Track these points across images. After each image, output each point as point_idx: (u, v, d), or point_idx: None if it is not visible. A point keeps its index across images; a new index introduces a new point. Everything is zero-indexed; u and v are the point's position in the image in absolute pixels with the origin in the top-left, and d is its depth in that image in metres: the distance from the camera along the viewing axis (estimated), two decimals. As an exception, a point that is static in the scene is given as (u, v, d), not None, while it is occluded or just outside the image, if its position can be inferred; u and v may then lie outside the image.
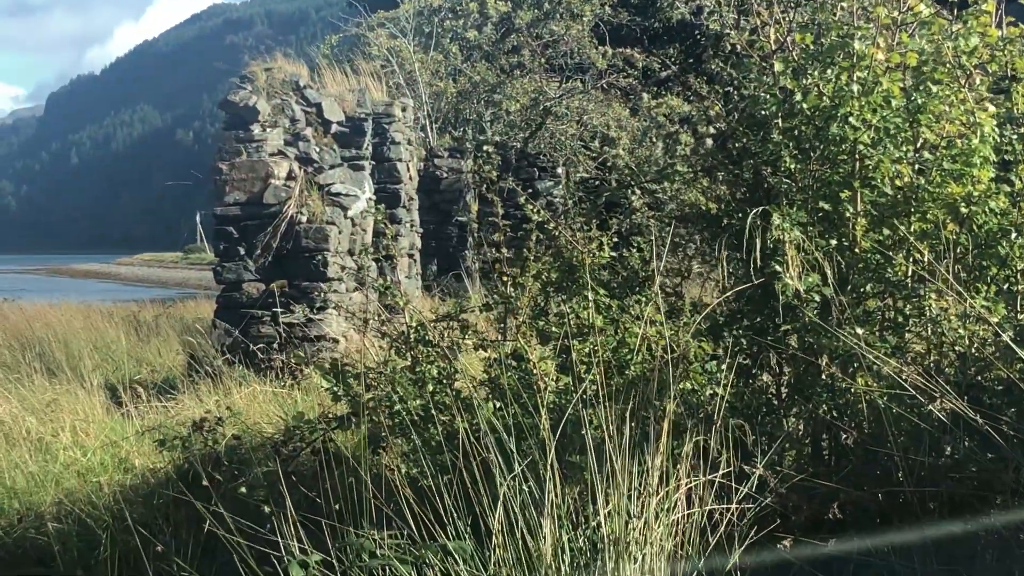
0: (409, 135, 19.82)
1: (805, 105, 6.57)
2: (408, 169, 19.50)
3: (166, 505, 8.14)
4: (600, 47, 27.43)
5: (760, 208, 6.36)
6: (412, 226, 19.69)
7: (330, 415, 7.15)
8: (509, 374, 6.09)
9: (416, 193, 20.61)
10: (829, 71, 6.72)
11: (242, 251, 15.14)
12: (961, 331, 6.21)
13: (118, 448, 9.85)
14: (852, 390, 6.29)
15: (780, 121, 6.80)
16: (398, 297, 6.97)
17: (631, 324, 6.40)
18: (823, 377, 6.44)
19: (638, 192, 24.38)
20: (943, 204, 6.50)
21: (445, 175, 25.23)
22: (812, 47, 6.80)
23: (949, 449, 5.80)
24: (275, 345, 14.78)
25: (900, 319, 6.59)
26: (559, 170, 26.65)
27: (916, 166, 6.61)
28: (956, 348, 6.28)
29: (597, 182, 26.89)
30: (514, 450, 5.29)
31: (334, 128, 16.48)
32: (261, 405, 10.49)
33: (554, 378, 6.37)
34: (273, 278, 15.14)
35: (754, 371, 6.68)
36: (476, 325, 6.98)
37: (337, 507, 5.91)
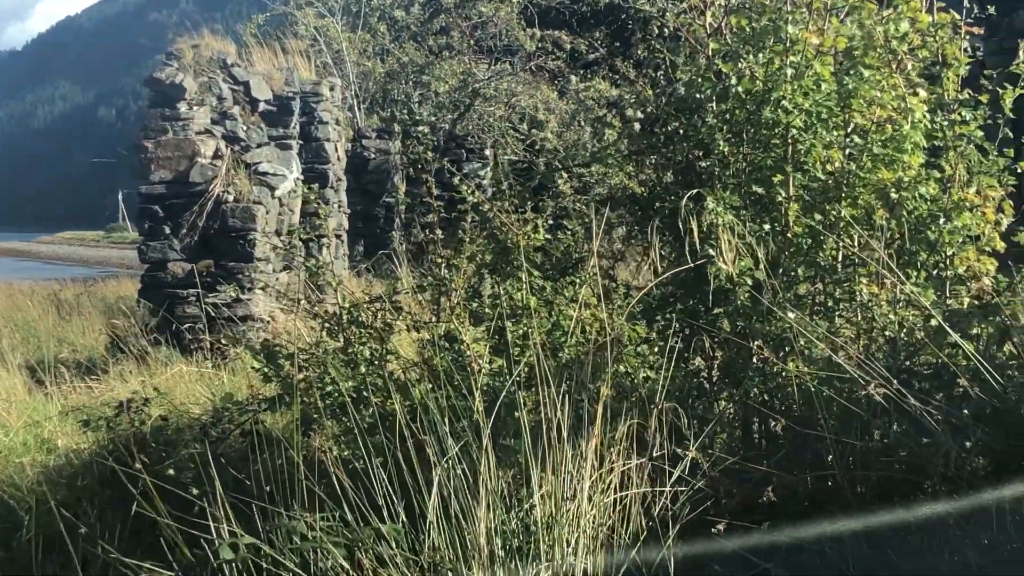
0: (337, 115, 19.69)
1: (739, 88, 6.58)
2: (336, 149, 19.36)
3: (91, 487, 8.03)
4: (529, 29, 27.38)
5: (694, 191, 6.36)
6: (340, 207, 19.57)
7: (260, 396, 7.08)
8: (442, 356, 6.06)
9: (344, 174, 20.48)
10: (762, 55, 6.74)
11: (167, 230, 14.98)
12: (892, 316, 6.26)
13: (40, 429, 9.71)
14: (783, 374, 6.32)
15: (714, 104, 6.81)
16: (329, 277, 6.91)
17: (565, 307, 6.39)
18: (755, 361, 6.46)
19: (566, 175, 24.43)
20: (873, 189, 6.54)
21: (373, 156, 25.11)
22: (748, 30, 6.81)
23: (879, 434, 5.83)
24: (201, 326, 14.63)
25: (831, 303, 6.63)
26: (487, 152, 26.61)
27: (847, 151, 6.65)
28: (886, 333, 6.32)
29: (525, 164, 26.90)
30: (448, 433, 5.26)
31: (261, 107, 16.34)
32: (188, 386, 10.39)
33: (488, 360, 6.34)
34: (199, 258, 15.00)
35: (687, 355, 6.68)
36: (409, 306, 6.94)
37: (268, 489, 5.84)
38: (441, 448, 5.23)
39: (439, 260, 6.81)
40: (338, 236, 19.43)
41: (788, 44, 6.57)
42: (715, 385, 6.72)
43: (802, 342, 6.13)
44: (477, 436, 5.26)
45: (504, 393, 5.66)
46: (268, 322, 15.27)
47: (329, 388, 6.39)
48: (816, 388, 5.88)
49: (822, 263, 6.55)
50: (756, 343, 6.48)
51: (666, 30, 25.33)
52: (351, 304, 6.78)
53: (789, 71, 6.46)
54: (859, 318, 6.45)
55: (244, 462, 6.60)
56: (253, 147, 15.60)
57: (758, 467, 5.87)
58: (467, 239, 6.83)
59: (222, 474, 5.98)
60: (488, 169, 26.56)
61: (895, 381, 5.62)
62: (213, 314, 14.73)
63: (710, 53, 6.89)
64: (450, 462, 5.19)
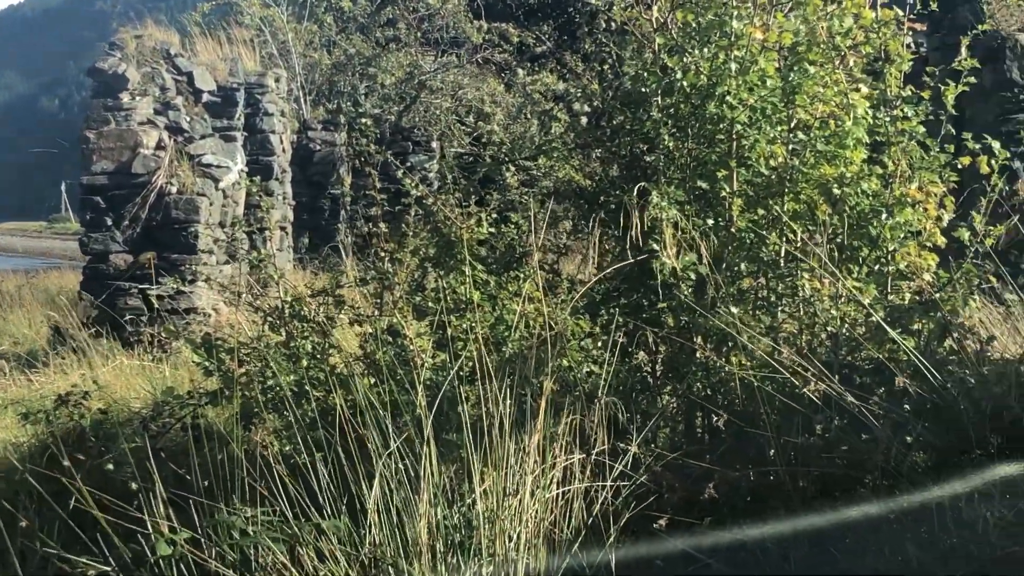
0: (283, 107, 19.55)
1: (684, 83, 6.57)
2: (281, 141, 19.24)
3: (29, 481, 7.93)
4: (476, 21, 27.31)
5: (639, 185, 6.35)
6: (285, 199, 19.45)
7: (201, 390, 7.01)
8: (385, 350, 6.02)
9: (289, 166, 20.35)
10: (707, 49, 6.74)
11: (109, 221, 14.85)
12: (833, 311, 6.28)
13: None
14: (726, 369, 6.33)
15: (659, 99, 6.80)
16: (271, 270, 6.85)
17: (509, 301, 6.36)
18: (697, 356, 6.46)
19: (512, 168, 24.36)
20: (816, 185, 6.56)
21: (319, 148, 24.96)
22: (694, 24, 6.80)
23: (820, 429, 5.85)
24: (143, 318, 14.51)
25: (773, 299, 6.64)
26: (434, 144, 26.53)
27: (790, 147, 6.66)
28: (828, 328, 6.34)
29: (472, 157, 26.84)
30: (390, 427, 5.23)
31: (205, 98, 16.22)
32: (129, 379, 10.29)
33: (431, 355, 6.31)
34: (142, 250, 14.88)
35: (630, 349, 6.67)
36: (352, 300, 6.89)
37: (207, 484, 5.78)
38: (383, 442, 5.20)
39: (383, 253, 6.77)
40: (282, 228, 19.31)
41: (733, 39, 6.56)
42: (658, 380, 6.72)
43: (744, 337, 6.14)
44: (419, 431, 5.23)
45: (445, 387, 5.64)
46: (211, 315, 15.16)
47: (270, 382, 6.33)
48: (758, 384, 5.89)
49: (764, 258, 6.56)
50: (699, 338, 6.49)
51: (613, 24, 25.40)
52: (293, 298, 6.73)
53: (734, 66, 6.46)
54: (801, 313, 6.47)
55: (185, 456, 6.53)
56: (197, 138, 15.48)
57: (700, 463, 5.88)
58: (411, 232, 6.79)
59: (162, 469, 5.92)
60: (435, 161, 26.49)
61: (836, 377, 5.65)
62: (156, 306, 14.61)
63: (656, 47, 6.88)
64: (392, 456, 5.15)
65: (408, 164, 25.94)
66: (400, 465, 5.14)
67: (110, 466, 6.55)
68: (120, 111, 14.82)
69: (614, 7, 7.39)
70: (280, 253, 19.06)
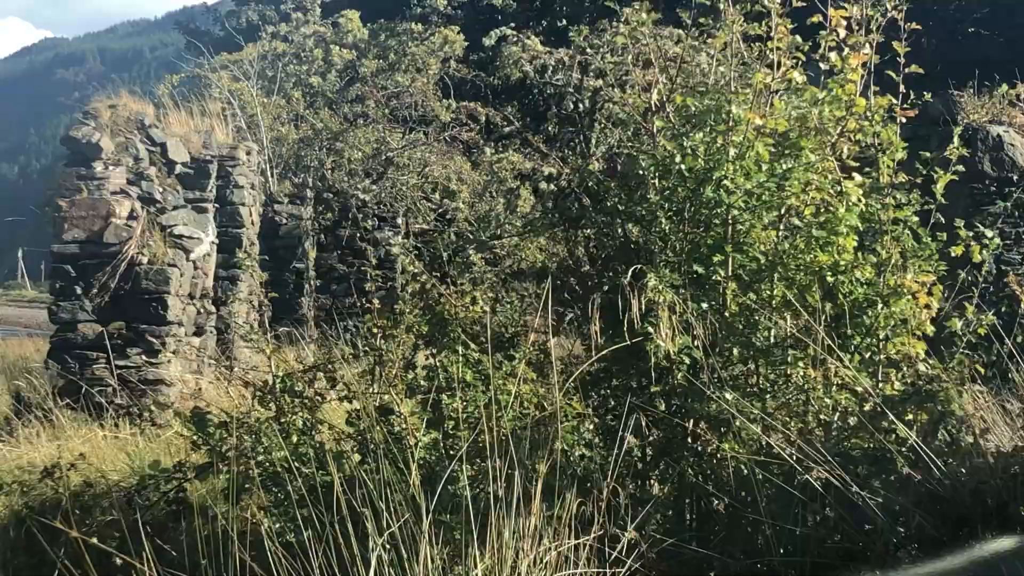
0: (253, 179, 19.53)
1: (683, 166, 6.59)
2: (251, 214, 19.19)
3: (2, 552, 7.81)
4: (444, 100, 27.47)
5: (636, 268, 6.35)
6: (252, 271, 19.35)
7: (187, 464, 6.91)
8: (378, 428, 5.96)
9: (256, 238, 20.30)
10: (702, 134, 6.77)
11: (79, 290, 14.68)
12: (827, 400, 6.29)
13: (-56, 492, 9.42)
14: (719, 455, 6.32)
15: (656, 181, 6.82)
16: (262, 344, 6.79)
17: (503, 380, 6.31)
18: (689, 440, 6.45)
19: (474, 248, 24.35)
20: (809, 271, 6.58)
21: (285, 221, 24.94)
22: (693, 108, 6.83)
23: (816, 518, 5.83)
24: (110, 388, 14.34)
25: (764, 385, 6.64)
26: (399, 220, 26.58)
27: (782, 232, 6.69)
28: (821, 416, 6.34)
29: (436, 233, 26.89)
30: (384, 507, 5.18)
31: (178, 169, 16.16)
32: (103, 451, 10.14)
33: (423, 433, 6.26)
34: (110, 319, 14.72)
35: (621, 433, 6.64)
36: (342, 376, 6.82)
37: (198, 560, 5.68)
38: (376, 523, 5.14)
39: (375, 330, 6.71)
40: (249, 301, 19.22)
41: (731, 124, 6.60)
42: (649, 464, 6.69)
43: (738, 423, 6.14)
44: (415, 510, 5.19)
45: (441, 467, 5.60)
46: (179, 386, 15.01)
47: (260, 457, 6.25)
48: (751, 470, 5.88)
49: (758, 344, 6.56)
50: (691, 422, 6.48)
51: (581, 106, 25.32)
52: (285, 373, 6.66)
53: (732, 151, 6.50)
54: (794, 400, 6.47)
55: (168, 531, 6.46)
56: (169, 209, 15.40)
57: (693, 549, 5.84)
58: (407, 309, 6.73)
59: (146, 543, 5.83)
60: (400, 237, 26.55)
61: (835, 465, 5.64)
62: (125, 377, 14.45)
63: (654, 130, 6.92)
64: (386, 537, 5.10)
65: (374, 239, 26.00)
66: (392, 544, 5.08)
67: (95, 539, 6.37)
68: (93, 180, 14.72)
69: (607, 90, 7.44)
70: (247, 326, 18.95)
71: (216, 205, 17.22)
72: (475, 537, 5.19)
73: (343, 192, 26.30)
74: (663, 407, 6.50)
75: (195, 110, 18.78)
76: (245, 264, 18.11)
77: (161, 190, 15.50)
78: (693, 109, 6.80)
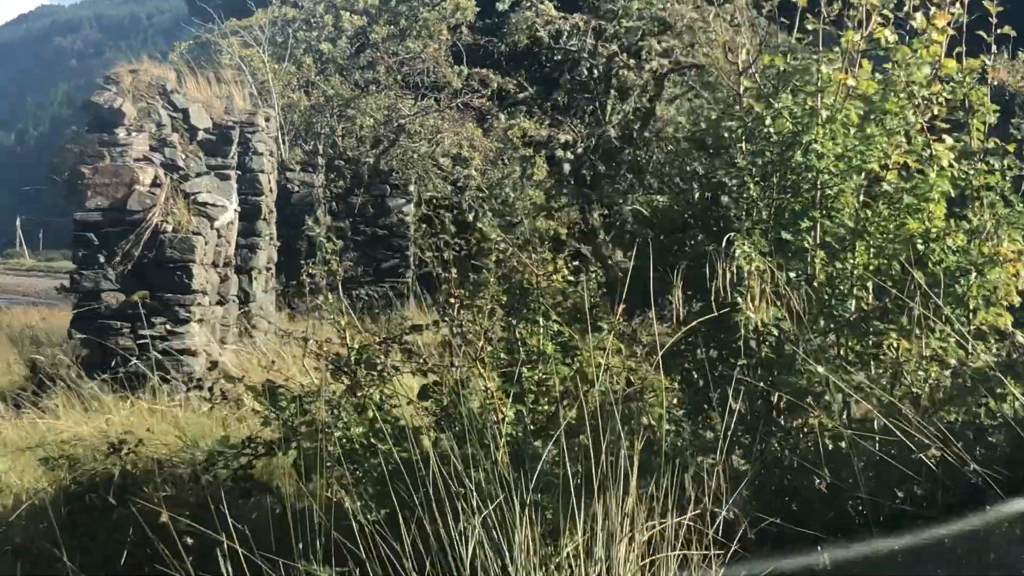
0: (271, 146, 19.24)
1: (772, 130, 6.33)
2: (269, 181, 18.92)
3: (55, 529, 7.57)
4: (456, 66, 27.17)
5: (729, 235, 6.09)
6: (271, 239, 19.13)
7: (257, 439, 6.67)
8: (465, 404, 5.72)
9: (272, 206, 20.06)
10: (786, 96, 6.51)
11: (102, 259, 14.44)
12: (920, 372, 6.07)
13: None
14: (805, 429, 6.12)
15: (743, 145, 6.56)
16: (336, 316, 6.54)
17: (589, 353, 6.06)
18: (778, 416, 6.24)
19: (490, 214, 24.10)
20: (899, 239, 6.34)
21: (296, 189, 24.71)
22: (782, 68, 6.57)
23: (922, 491, 5.62)
24: (134, 358, 14.12)
25: (849, 356, 6.40)
26: (411, 188, 26.34)
27: (870, 199, 6.46)
28: (913, 389, 6.12)
29: (447, 201, 26.66)
30: (472, 486, 4.98)
31: (200, 135, 15.89)
32: (150, 424, 9.87)
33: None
34: (132, 288, 14.47)
35: (706, 407, 6.41)
36: (418, 348, 6.58)
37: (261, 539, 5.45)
38: (466, 501, 4.94)
39: (452, 300, 6.44)
40: (268, 269, 19.00)
41: (821, 85, 6.35)
42: (735, 440, 6.45)
43: (827, 396, 5.92)
44: (502, 488, 4.99)
45: (527, 444, 5.39)
46: (201, 355, 14.79)
47: (338, 434, 6.00)
48: (851, 444, 5.67)
49: (846, 315, 6.32)
50: (775, 396, 6.26)
51: (596, 72, 25.01)
52: (360, 345, 6.41)
53: (825, 113, 6.24)
54: (887, 373, 6.25)
55: (232, 507, 6.23)
56: (192, 176, 15.14)
57: (792, 527, 5.63)
58: (492, 279, 6.44)
59: (218, 521, 5.62)
60: (412, 205, 26.33)
61: (933, 438, 5.43)
62: (151, 347, 14.23)
63: (740, 90, 6.66)
64: (477, 517, 4.90)
65: (385, 206, 25.81)
66: (483, 526, 4.89)
67: (164, 518, 6.11)
68: (116, 146, 14.46)
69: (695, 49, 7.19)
70: (265, 295, 18.74)
71: (239, 172, 16.93)
72: (566, 517, 4.99)
73: (355, 159, 26.07)
74: (751, 379, 6.26)
75: (211, 77, 18.46)
76: (265, 233, 17.93)
77: (184, 157, 15.24)
78: (783, 69, 6.53)
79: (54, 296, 33.89)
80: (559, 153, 24.80)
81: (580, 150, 24.85)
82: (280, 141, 25.28)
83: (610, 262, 15.24)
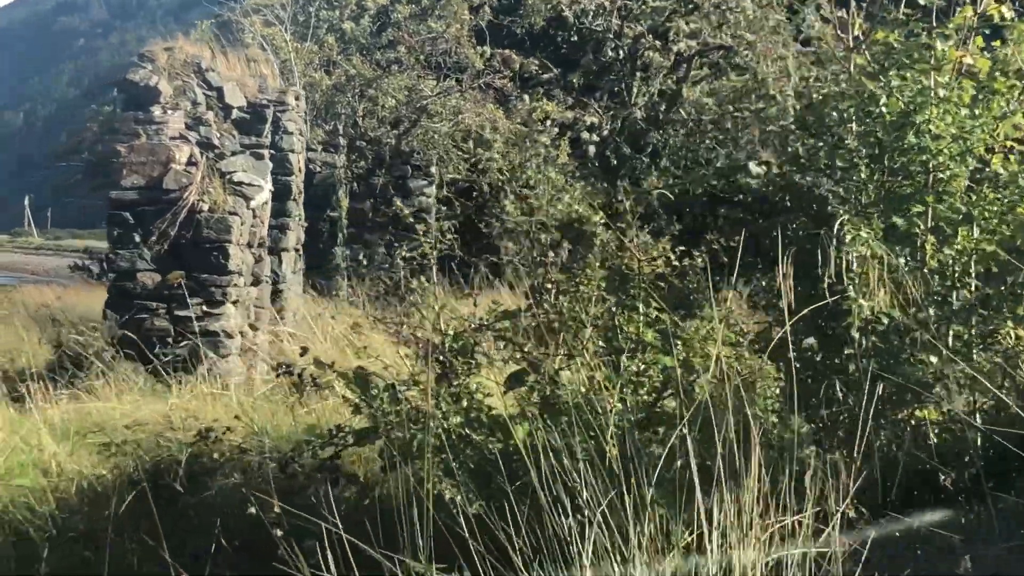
0: (301, 125, 18.98)
1: (886, 109, 6.06)
2: (299, 161, 18.68)
3: (119, 516, 7.35)
4: (479, 47, 26.91)
5: (842, 219, 5.83)
6: (300, 220, 18.89)
7: (346, 428, 6.41)
8: (571, 394, 5.48)
9: (298, 186, 19.82)
10: (894, 74, 6.23)
11: (137, 238, 14.21)
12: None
13: (31, 449, 8.96)
14: (913, 422, 5.90)
15: (855, 125, 6.28)
16: (431, 300, 6.28)
17: (697, 342, 5.81)
18: (887, 407, 5.99)
19: (512, 196, 23.88)
20: (1015, 224, 6.09)
21: (319, 169, 24.49)
22: (896, 45, 6.28)
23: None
24: (169, 339, 13.91)
25: (958, 346, 6.14)
26: (432, 169, 26.11)
27: (978, 183, 6.22)
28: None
29: (467, 183, 26.47)
30: (581, 481, 4.77)
31: (235, 114, 15.63)
32: (211, 410, 9.62)
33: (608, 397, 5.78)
34: (168, 268, 14.25)
35: (812, 400, 6.16)
36: (512, 336, 6.31)
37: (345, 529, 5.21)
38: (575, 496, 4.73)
39: (548, 286, 6.18)
40: (296, 250, 18.78)
41: (935, 63, 6.09)
42: (848, 432, 6.21)
43: (938, 388, 5.69)
44: (611, 481, 4.78)
45: (631, 436, 5.16)
46: (236, 338, 14.57)
47: (433, 423, 5.76)
48: (978, 436, 5.45)
49: (960, 303, 6.08)
50: (882, 386, 6.01)
51: (621, 52, 24.68)
52: (455, 332, 6.16)
53: (942, 92, 5.98)
54: (993, 363, 6.01)
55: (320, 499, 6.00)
56: (228, 155, 14.89)
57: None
58: (597, 264, 6.12)
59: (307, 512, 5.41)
60: (433, 186, 26.10)
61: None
62: (181, 327, 14.01)
63: (851, 68, 6.39)
64: (591, 514, 4.69)
65: (406, 187, 25.59)
66: (601, 523, 4.67)
67: (252, 509, 5.84)
68: (151, 124, 14.23)
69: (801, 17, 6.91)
70: (293, 276, 18.52)
71: (272, 151, 16.67)
72: (680, 514, 4.79)
73: (376, 140, 25.84)
74: (858, 369, 6.01)
75: (242, 55, 18.19)
76: (295, 213, 17.70)
77: (218, 135, 14.99)
78: (896, 46, 6.26)
79: (64, 275, 33.73)
80: (584, 135, 24.65)
81: (606, 132, 24.71)
82: (302, 121, 25.07)
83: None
